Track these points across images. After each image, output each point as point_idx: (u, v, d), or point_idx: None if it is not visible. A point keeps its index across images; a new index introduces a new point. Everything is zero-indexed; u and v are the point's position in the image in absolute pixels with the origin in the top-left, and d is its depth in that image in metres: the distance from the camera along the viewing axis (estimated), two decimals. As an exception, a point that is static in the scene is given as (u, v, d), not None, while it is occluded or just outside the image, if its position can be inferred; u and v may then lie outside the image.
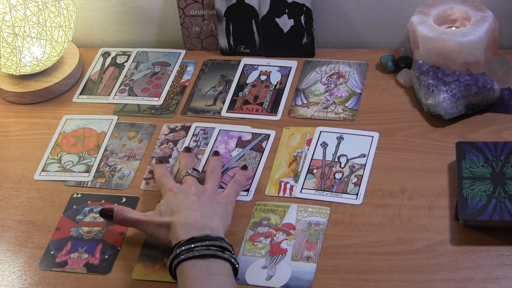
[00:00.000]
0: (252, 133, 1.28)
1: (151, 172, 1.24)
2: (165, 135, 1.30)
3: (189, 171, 1.17)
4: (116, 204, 1.16)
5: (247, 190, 1.19)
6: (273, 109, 1.32)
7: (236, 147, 1.26)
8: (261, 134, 1.27)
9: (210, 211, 1.08)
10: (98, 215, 1.19)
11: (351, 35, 1.44)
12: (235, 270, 1.03)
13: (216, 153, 1.22)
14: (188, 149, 1.23)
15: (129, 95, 1.39)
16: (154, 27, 1.51)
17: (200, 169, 1.21)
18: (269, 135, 1.27)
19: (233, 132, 1.29)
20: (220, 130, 1.29)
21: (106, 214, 1.13)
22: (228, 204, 1.12)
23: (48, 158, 1.30)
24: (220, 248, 1.02)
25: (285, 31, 1.40)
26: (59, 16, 1.35)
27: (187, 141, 1.28)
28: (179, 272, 1.01)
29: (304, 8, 1.37)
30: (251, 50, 1.43)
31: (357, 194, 1.16)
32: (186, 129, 1.31)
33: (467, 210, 1.07)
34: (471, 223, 1.07)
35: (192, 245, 1.01)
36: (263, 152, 1.24)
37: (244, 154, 1.25)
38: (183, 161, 1.21)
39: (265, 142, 1.26)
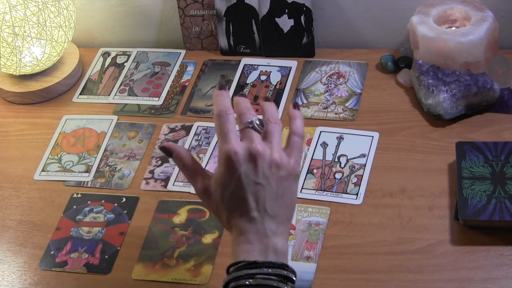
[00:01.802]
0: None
1: (151, 172, 1.24)
2: (165, 135, 1.30)
3: (254, 121, 0.95)
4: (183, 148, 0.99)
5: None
6: (273, 109, 1.32)
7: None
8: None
9: (276, 212, 0.93)
10: (98, 215, 1.19)
11: (351, 35, 1.44)
12: None
13: (267, 99, 0.99)
14: (243, 95, 1.00)
15: (129, 95, 1.39)
16: (154, 27, 1.51)
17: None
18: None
19: (236, 131, 1.28)
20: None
21: (167, 152, 0.99)
22: (294, 181, 0.94)
23: (48, 158, 1.30)
24: (283, 278, 0.90)
25: (285, 31, 1.40)
26: (59, 16, 1.35)
27: (189, 140, 1.28)
28: None
29: (304, 8, 1.37)
30: (251, 50, 1.43)
31: (357, 194, 1.16)
32: (186, 129, 1.31)
33: (467, 210, 1.07)
34: (471, 223, 1.07)
35: (254, 271, 0.89)
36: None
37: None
38: (242, 104, 0.97)
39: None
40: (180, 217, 1.17)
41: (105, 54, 1.49)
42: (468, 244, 1.07)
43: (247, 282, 0.89)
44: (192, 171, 0.97)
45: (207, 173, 0.97)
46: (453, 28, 1.32)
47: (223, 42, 1.43)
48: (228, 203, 0.93)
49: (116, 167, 1.26)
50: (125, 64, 1.46)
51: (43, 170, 1.28)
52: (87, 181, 1.25)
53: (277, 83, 1.37)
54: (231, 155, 0.92)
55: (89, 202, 1.21)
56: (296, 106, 0.98)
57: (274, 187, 0.92)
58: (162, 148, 0.99)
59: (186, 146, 1.27)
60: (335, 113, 1.29)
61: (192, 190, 1.20)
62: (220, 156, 0.93)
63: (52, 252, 1.15)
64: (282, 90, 1.35)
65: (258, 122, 0.95)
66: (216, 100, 0.96)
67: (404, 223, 1.11)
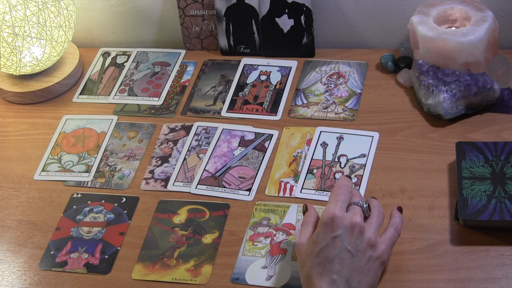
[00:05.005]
0: (255, 133, 1.28)
1: (151, 172, 1.24)
2: (165, 135, 1.31)
3: (363, 204, 1.03)
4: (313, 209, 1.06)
5: (249, 190, 1.19)
6: (273, 109, 1.32)
7: (238, 146, 1.26)
8: (264, 134, 1.27)
9: (356, 285, 0.97)
10: (98, 215, 1.19)
11: (351, 35, 1.44)
12: None
13: (374, 197, 1.08)
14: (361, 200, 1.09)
15: (129, 95, 1.39)
16: (154, 27, 1.51)
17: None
18: (272, 135, 1.27)
19: (236, 131, 1.29)
20: (223, 129, 1.29)
21: (304, 210, 1.07)
22: (380, 267, 1.00)
23: (48, 158, 1.30)
24: None
25: (285, 31, 1.40)
26: (59, 16, 1.35)
27: (189, 140, 1.28)
28: None
29: (304, 8, 1.37)
30: (251, 50, 1.43)
31: (357, 194, 1.16)
32: (186, 129, 1.31)
33: (467, 210, 1.07)
34: (471, 223, 1.07)
35: None
36: (265, 152, 1.25)
37: (246, 153, 1.25)
38: (355, 191, 1.06)
39: (267, 142, 1.26)
40: (180, 217, 1.17)
41: (105, 54, 1.49)
42: (468, 244, 1.07)
43: None
44: (306, 228, 1.03)
45: None
46: (453, 28, 1.32)
47: (223, 42, 1.43)
48: (315, 260, 0.98)
49: (116, 167, 1.26)
50: (125, 64, 1.46)
51: (43, 170, 1.28)
52: (87, 181, 1.25)
53: (277, 83, 1.37)
54: (334, 217, 0.99)
55: (89, 202, 1.22)
56: (400, 209, 1.07)
57: (362, 262, 0.98)
58: (304, 206, 1.07)
59: (186, 146, 1.27)
60: (335, 113, 1.29)
61: (192, 190, 1.21)
62: (323, 216, 1.00)
63: (52, 252, 1.15)
64: (282, 90, 1.35)
65: (366, 205, 1.03)
66: (341, 178, 1.06)
67: (404, 223, 1.11)
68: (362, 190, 1.16)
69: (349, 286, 0.97)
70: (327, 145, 1.24)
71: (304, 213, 1.06)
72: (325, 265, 0.97)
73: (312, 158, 1.22)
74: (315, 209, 1.06)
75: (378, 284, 1.04)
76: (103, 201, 1.21)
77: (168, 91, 1.39)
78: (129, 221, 1.18)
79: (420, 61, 1.28)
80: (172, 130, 1.31)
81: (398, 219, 1.05)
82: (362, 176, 1.18)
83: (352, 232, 0.99)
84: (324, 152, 1.23)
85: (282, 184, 1.19)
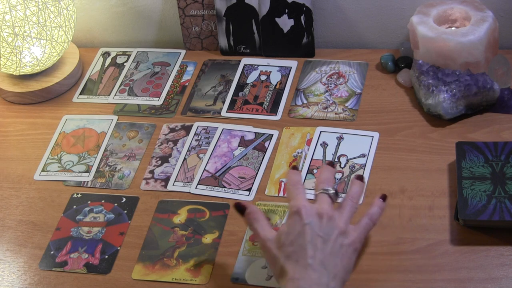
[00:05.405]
0: (255, 133, 1.28)
1: (151, 172, 1.24)
2: (165, 135, 1.31)
3: (329, 190, 1.02)
4: (253, 205, 1.05)
5: (249, 190, 1.19)
6: (273, 109, 1.32)
7: (238, 146, 1.26)
8: (264, 134, 1.27)
9: (331, 268, 0.96)
10: (98, 215, 1.19)
11: (351, 35, 1.44)
12: None
13: (360, 178, 1.06)
14: (331, 164, 1.08)
15: (129, 95, 1.39)
16: (154, 27, 1.51)
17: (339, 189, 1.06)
18: (272, 135, 1.27)
19: (236, 131, 1.29)
20: (223, 129, 1.29)
21: (240, 209, 1.04)
22: (353, 253, 0.99)
23: (48, 158, 1.30)
24: None
25: (285, 31, 1.40)
26: (59, 16, 1.35)
27: (189, 140, 1.28)
28: None
29: (304, 8, 1.37)
30: (251, 50, 1.43)
31: (357, 194, 1.16)
32: (186, 129, 1.31)
33: (467, 210, 1.07)
34: (471, 223, 1.07)
35: None
36: (265, 152, 1.25)
37: (246, 153, 1.25)
38: (325, 174, 1.05)
39: (267, 142, 1.26)
40: (180, 217, 1.17)
41: (105, 54, 1.49)
42: (468, 244, 1.07)
43: None
44: (261, 224, 1.03)
45: (273, 227, 1.03)
46: (453, 28, 1.32)
47: (223, 42, 1.43)
48: (288, 249, 0.97)
49: (116, 167, 1.26)
50: (125, 64, 1.46)
51: (43, 170, 1.28)
52: (87, 181, 1.25)
53: (277, 83, 1.37)
54: (301, 207, 0.99)
55: (89, 202, 1.22)
56: (384, 198, 1.06)
57: (335, 248, 0.97)
58: (237, 205, 1.04)
59: (186, 146, 1.27)
60: (335, 113, 1.29)
61: (192, 190, 1.21)
62: (291, 209, 1.00)
63: (52, 252, 1.15)
64: (282, 90, 1.35)
65: (333, 192, 1.02)
66: (290, 175, 1.05)
67: (404, 223, 1.11)
68: (362, 190, 1.16)
69: (325, 269, 0.95)
70: (327, 145, 1.24)
71: (241, 213, 1.03)
72: (299, 253, 0.96)
73: (312, 158, 1.22)
74: (251, 204, 1.05)
75: (378, 284, 1.04)
76: (103, 201, 1.21)
77: (168, 91, 1.39)
78: (129, 221, 1.18)
79: (420, 61, 1.28)
80: (172, 130, 1.31)
81: (376, 208, 1.04)
82: (362, 176, 1.18)
83: (321, 220, 0.98)
84: (324, 152, 1.23)
85: (282, 184, 1.19)
